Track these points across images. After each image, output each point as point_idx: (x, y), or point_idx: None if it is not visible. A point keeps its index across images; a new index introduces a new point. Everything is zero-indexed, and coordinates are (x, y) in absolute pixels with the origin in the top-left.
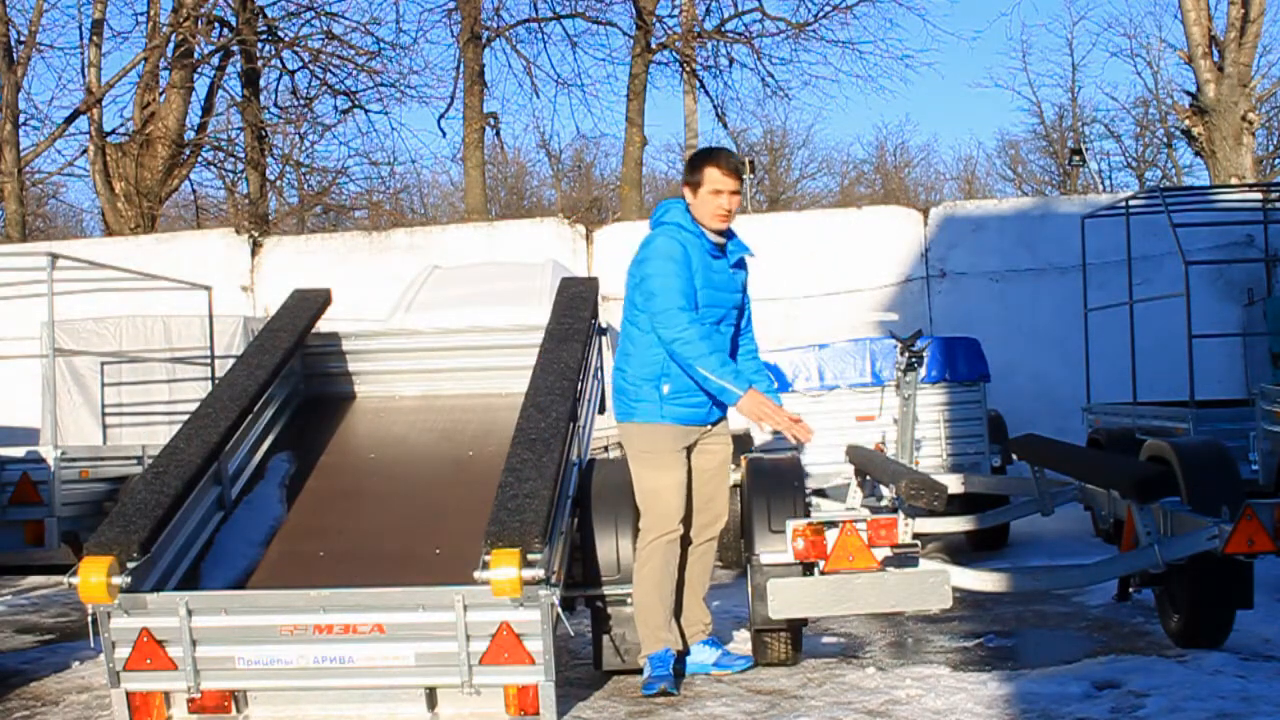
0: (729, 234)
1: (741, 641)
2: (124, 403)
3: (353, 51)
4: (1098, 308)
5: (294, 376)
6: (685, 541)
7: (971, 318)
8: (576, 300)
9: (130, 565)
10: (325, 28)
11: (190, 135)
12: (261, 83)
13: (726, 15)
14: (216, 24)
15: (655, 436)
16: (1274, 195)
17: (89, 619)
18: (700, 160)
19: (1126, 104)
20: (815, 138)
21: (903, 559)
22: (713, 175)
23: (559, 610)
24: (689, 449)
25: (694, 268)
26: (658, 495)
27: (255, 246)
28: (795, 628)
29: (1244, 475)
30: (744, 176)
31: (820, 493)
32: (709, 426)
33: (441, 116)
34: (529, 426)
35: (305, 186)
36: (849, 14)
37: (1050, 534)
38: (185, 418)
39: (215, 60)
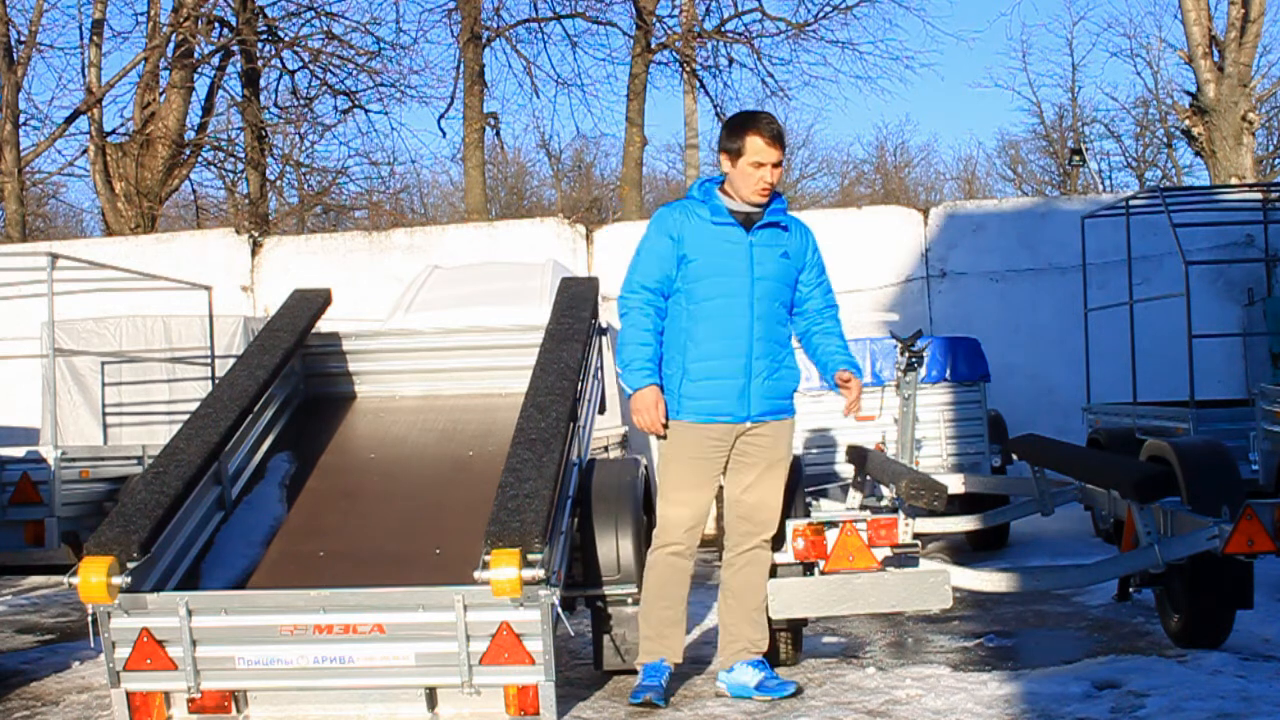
0: (774, 204)
1: None
2: (124, 403)
3: (353, 51)
4: (1098, 308)
5: (294, 376)
6: (690, 553)
7: (971, 318)
8: (576, 300)
9: (130, 565)
10: (325, 28)
11: (190, 135)
12: (261, 83)
13: (726, 15)
14: (216, 24)
15: (675, 437)
16: (1274, 195)
17: (89, 619)
18: (741, 127)
19: (1126, 104)
20: (815, 138)
21: (903, 559)
22: (755, 145)
23: (559, 610)
24: (730, 451)
25: (686, 240)
26: (666, 504)
27: (255, 246)
28: (795, 628)
29: (1244, 475)
30: (785, 144)
31: (820, 493)
32: (749, 424)
33: (441, 116)
34: (529, 426)
35: (305, 186)
36: (849, 14)
37: (1050, 534)
38: (185, 418)
39: (215, 60)
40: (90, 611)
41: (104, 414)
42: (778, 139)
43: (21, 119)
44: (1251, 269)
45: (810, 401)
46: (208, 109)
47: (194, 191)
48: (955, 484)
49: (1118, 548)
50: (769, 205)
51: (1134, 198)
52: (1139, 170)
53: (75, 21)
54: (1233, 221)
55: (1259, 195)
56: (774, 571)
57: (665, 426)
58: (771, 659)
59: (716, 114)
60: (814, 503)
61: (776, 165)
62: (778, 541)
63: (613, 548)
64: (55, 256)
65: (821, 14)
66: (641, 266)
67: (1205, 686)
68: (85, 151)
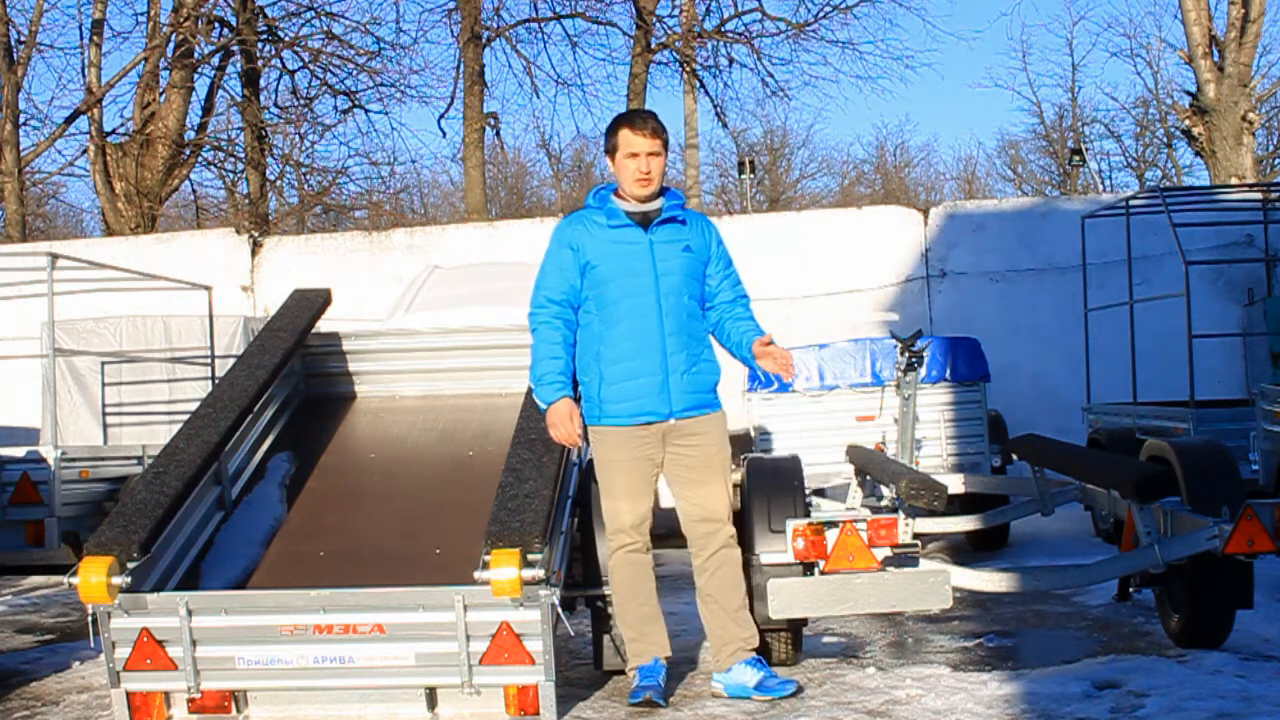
0: (670, 201)
1: None
2: (124, 403)
3: (353, 51)
4: (1098, 308)
5: (294, 376)
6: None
7: (971, 318)
8: None
9: (130, 565)
10: (325, 28)
11: (190, 135)
12: (261, 83)
13: (726, 15)
14: (216, 24)
15: (604, 443)
16: (1274, 195)
17: (89, 619)
18: (614, 125)
19: (1126, 104)
20: (815, 138)
21: (903, 559)
22: (626, 137)
23: (559, 610)
24: (662, 450)
25: (586, 248)
26: (608, 508)
27: (255, 246)
28: (795, 628)
29: (1244, 475)
30: (665, 138)
31: (820, 493)
32: (673, 421)
33: (441, 116)
34: (529, 426)
35: (305, 186)
36: (849, 14)
37: (1050, 534)
38: (185, 418)
39: (215, 60)
40: (90, 611)
41: (104, 414)
42: (651, 131)
43: (21, 119)
44: (1251, 269)
45: (810, 401)
46: (208, 109)
47: (194, 191)
48: (955, 484)
49: (1118, 548)
50: (665, 202)
51: (1134, 198)
52: (1139, 170)
53: (75, 21)
54: (1233, 221)
55: (1259, 195)
56: (748, 570)
57: (584, 438)
58: (769, 659)
59: (716, 114)
60: (814, 503)
61: (653, 154)
62: (742, 542)
63: None
64: (55, 256)
65: (821, 14)
66: (546, 280)
67: (1205, 686)
68: (85, 151)
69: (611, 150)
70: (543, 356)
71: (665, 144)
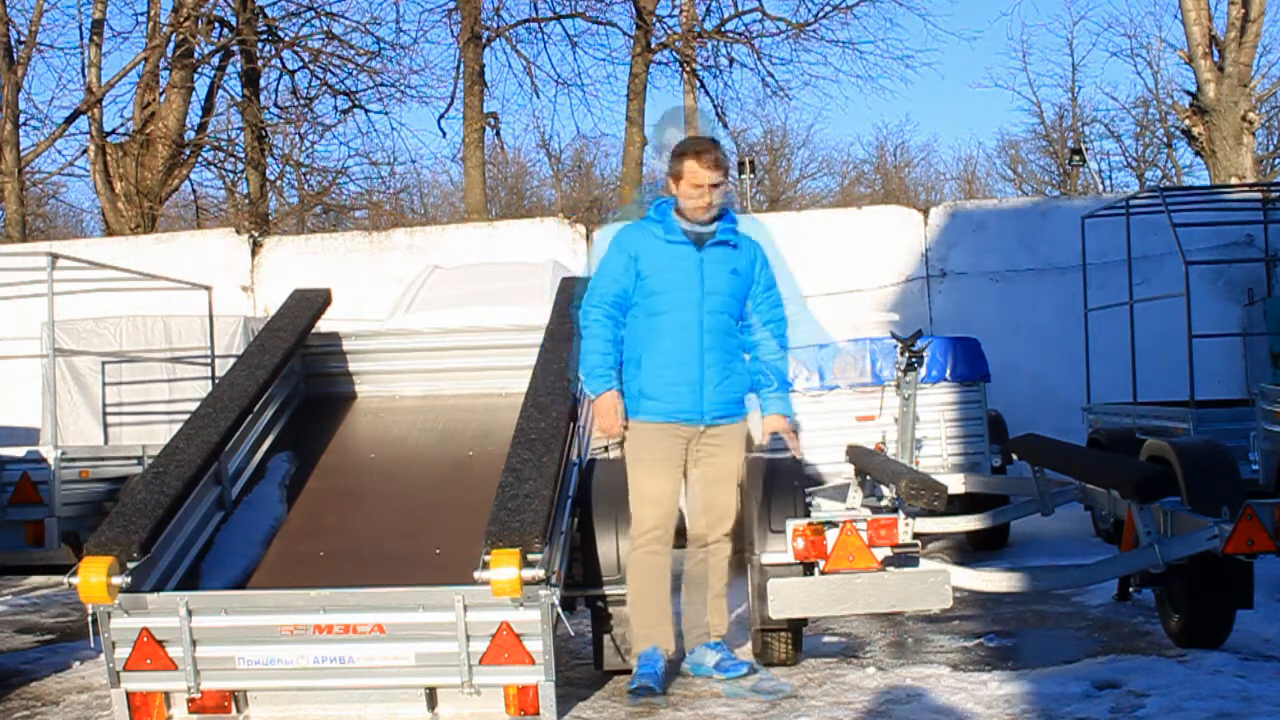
0: (725, 224)
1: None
2: (124, 403)
3: (353, 51)
4: (1098, 308)
5: (294, 376)
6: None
7: (971, 318)
8: (577, 300)
9: (130, 565)
10: (325, 28)
11: (190, 135)
12: (261, 83)
13: (726, 15)
14: (216, 24)
15: (636, 438)
16: (1274, 195)
17: (89, 619)
18: (680, 153)
19: (1126, 104)
20: (815, 138)
21: (903, 559)
22: (691, 169)
23: (559, 610)
24: (687, 450)
25: (642, 257)
26: (636, 504)
27: (255, 246)
28: (795, 628)
29: (1244, 475)
30: (726, 167)
31: (820, 493)
32: (703, 427)
33: (441, 116)
34: (529, 426)
35: (305, 186)
36: (849, 14)
37: (1050, 534)
38: (185, 418)
39: (215, 60)
40: (90, 611)
41: (104, 414)
42: (715, 164)
43: (21, 119)
44: (1251, 269)
45: (810, 401)
46: (208, 109)
47: (194, 191)
48: (955, 484)
49: (1118, 548)
50: (720, 224)
51: (1134, 198)
52: (1139, 170)
53: (75, 21)
54: (1233, 221)
55: (1259, 195)
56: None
57: (625, 429)
58: (769, 659)
59: (717, 114)
60: (814, 503)
61: (715, 186)
62: (735, 539)
63: (613, 548)
64: (55, 256)
65: (822, 14)
66: (600, 284)
67: (1205, 686)
68: (85, 151)
69: (676, 175)
70: (592, 350)
71: (726, 172)
